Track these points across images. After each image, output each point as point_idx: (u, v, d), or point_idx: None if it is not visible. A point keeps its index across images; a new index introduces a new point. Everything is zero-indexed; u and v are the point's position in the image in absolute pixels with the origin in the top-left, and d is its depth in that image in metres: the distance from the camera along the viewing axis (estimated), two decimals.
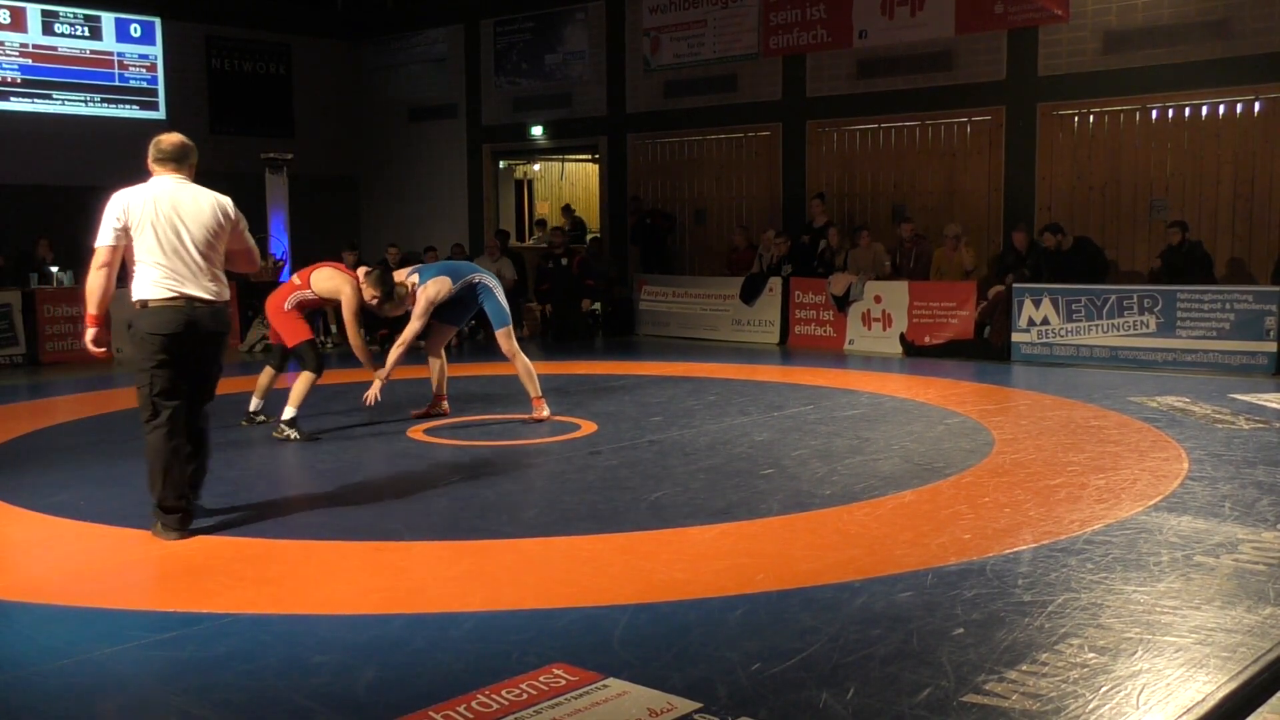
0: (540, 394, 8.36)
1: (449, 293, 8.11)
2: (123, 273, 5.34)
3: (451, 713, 3.30)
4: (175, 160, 5.36)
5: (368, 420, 8.50)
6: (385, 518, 5.69)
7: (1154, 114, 12.12)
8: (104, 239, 5.23)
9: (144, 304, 5.22)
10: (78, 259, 13.98)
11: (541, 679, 3.53)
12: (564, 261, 14.71)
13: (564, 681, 3.51)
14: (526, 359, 8.32)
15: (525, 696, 3.40)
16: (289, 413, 7.81)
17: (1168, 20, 11.80)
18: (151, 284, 5.20)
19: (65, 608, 4.43)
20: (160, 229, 5.20)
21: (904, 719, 3.25)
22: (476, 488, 6.37)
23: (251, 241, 5.57)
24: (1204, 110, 11.83)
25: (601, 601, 4.34)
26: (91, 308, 5.27)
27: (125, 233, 5.22)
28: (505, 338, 8.23)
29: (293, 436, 7.74)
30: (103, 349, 5.37)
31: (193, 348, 5.25)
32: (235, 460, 7.18)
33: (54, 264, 13.29)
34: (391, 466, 7.07)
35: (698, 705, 3.33)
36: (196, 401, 5.40)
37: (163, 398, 5.20)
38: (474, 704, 3.35)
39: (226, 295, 5.38)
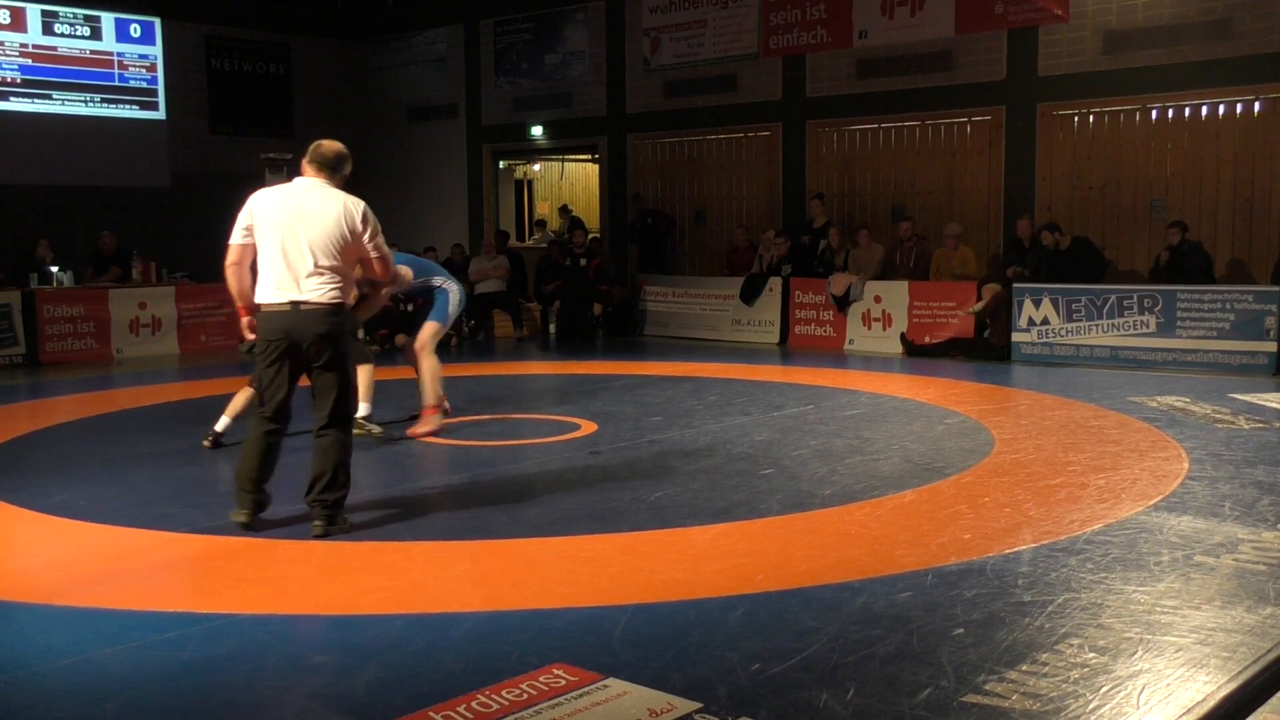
0: (436, 404, 8.04)
1: (407, 283, 7.95)
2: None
3: (451, 713, 3.30)
4: (321, 166, 5.40)
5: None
6: (385, 518, 5.69)
7: (1154, 114, 12.12)
8: (233, 237, 5.40)
9: (258, 308, 5.36)
10: (78, 259, 14.02)
11: (541, 679, 3.53)
12: (582, 262, 14.72)
13: (564, 682, 3.51)
14: (437, 362, 8.10)
15: (525, 697, 3.40)
16: (364, 409, 7.70)
17: (1168, 20, 11.80)
18: (263, 287, 5.33)
19: (65, 608, 4.43)
20: (281, 232, 5.25)
21: (904, 719, 3.25)
22: (476, 488, 6.37)
23: (384, 250, 5.53)
24: (1204, 110, 11.83)
25: (601, 602, 4.34)
26: (237, 303, 5.49)
27: (250, 231, 5.33)
28: (431, 335, 8.05)
29: (374, 431, 7.73)
30: (254, 335, 5.46)
31: (304, 353, 5.30)
32: (234, 461, 7.16)
33: (54, 264, 13.28)
34: (391, 466, 7.07)
35: (698, 705, 3.33)
36: (325, 415, 5.42)
37: (268, 395, 5.39)
38: (474, 704, 3.35)
39: (340, 299, 5.33)
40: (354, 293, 5.70)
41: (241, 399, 7.66)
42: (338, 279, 5.31)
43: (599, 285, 14.75)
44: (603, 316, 14.93)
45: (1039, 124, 12.73)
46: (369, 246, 5.41)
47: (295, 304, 5.25)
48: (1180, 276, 11.13)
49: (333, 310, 5.30)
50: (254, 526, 5.39)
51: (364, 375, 7.69)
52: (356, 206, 5.37)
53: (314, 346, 5.29)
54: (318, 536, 5.31)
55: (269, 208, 5.31)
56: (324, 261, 5.26)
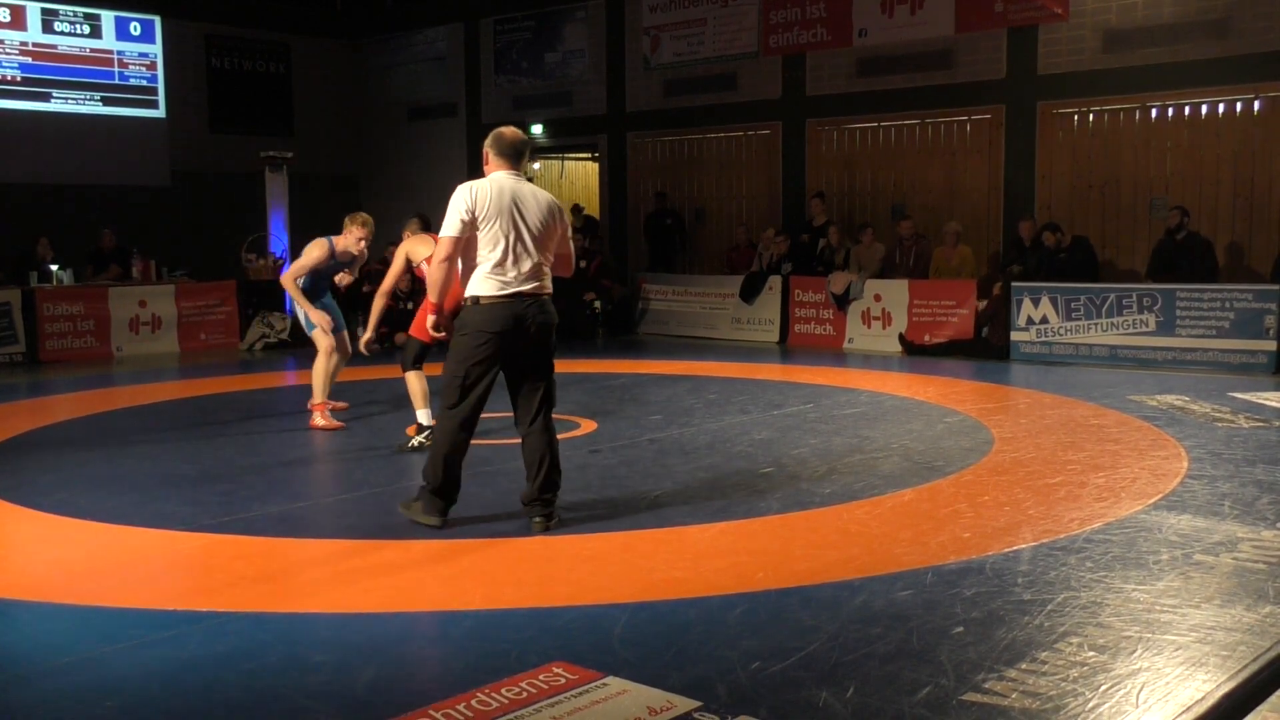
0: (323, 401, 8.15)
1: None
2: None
3: (451, 711, 3.30)
4: (516, 156, 5.35)
5: (365, 417, 8.49)
6: (385, 516, 5.69)
7: (1154, 113, 12.12)
8: (449, 230, 5.17)
9: (477, 300, 5.21)
10: (78, 257, 14.03)
11: (541, 677, 3.53)
12: (582, 264, 14.71)
13: (564, 680, 3.51)
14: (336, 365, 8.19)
15: (525, 695, 3.40)
16: (424, 416, 7.43)
17: (1167, 19, 11.80)
18: (484, 279, 5.18)
19: (65, 606, 4.43)
20: (504, 224, 5.17)
21: (904, 717, 3.25)
22: (475, 486, 6.37)
23: (572, 246, 5.52)
24: (1204, 109, 11.83)
25: (601, 600, 4.34)
26: (433, 296, 5.33)
27: (472, 224, 5.16)
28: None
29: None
30: (444, 334, 5.41)
31: (522, 345, 5.25)
32: (234, 459, 7.18)
33: (54, 263, 13.29)
34: (391, 464, 7.07)
35: (697, 704, 3.33)
36: (537, 404, 5.38)
37: (470, 390, 5.23)
38: (474, 702, 3.35)
39: (551, 290, 5.35)
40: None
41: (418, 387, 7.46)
42: (549, 272, 5.35)
43: (601, 281, 14.75)
44: (600, 312, 14.94)
45: (1039, 123, 12.74)
46: (569, 241, 5.46)
47: (520, 296, 5.21)
48: (1182, 264, 11.13)
49: (550, 301, 5.34)
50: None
51: (417, 382, 7.45)
52: (554, 200, 5.41)
53: (539, 339, 5.29)
54: (540, 531, 5.33)
55: (490, 200, 5.18)
56: (544, 256, 5.28)
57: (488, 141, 5.42)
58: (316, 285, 8.21)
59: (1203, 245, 11.29)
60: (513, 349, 5.25)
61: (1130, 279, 11.87)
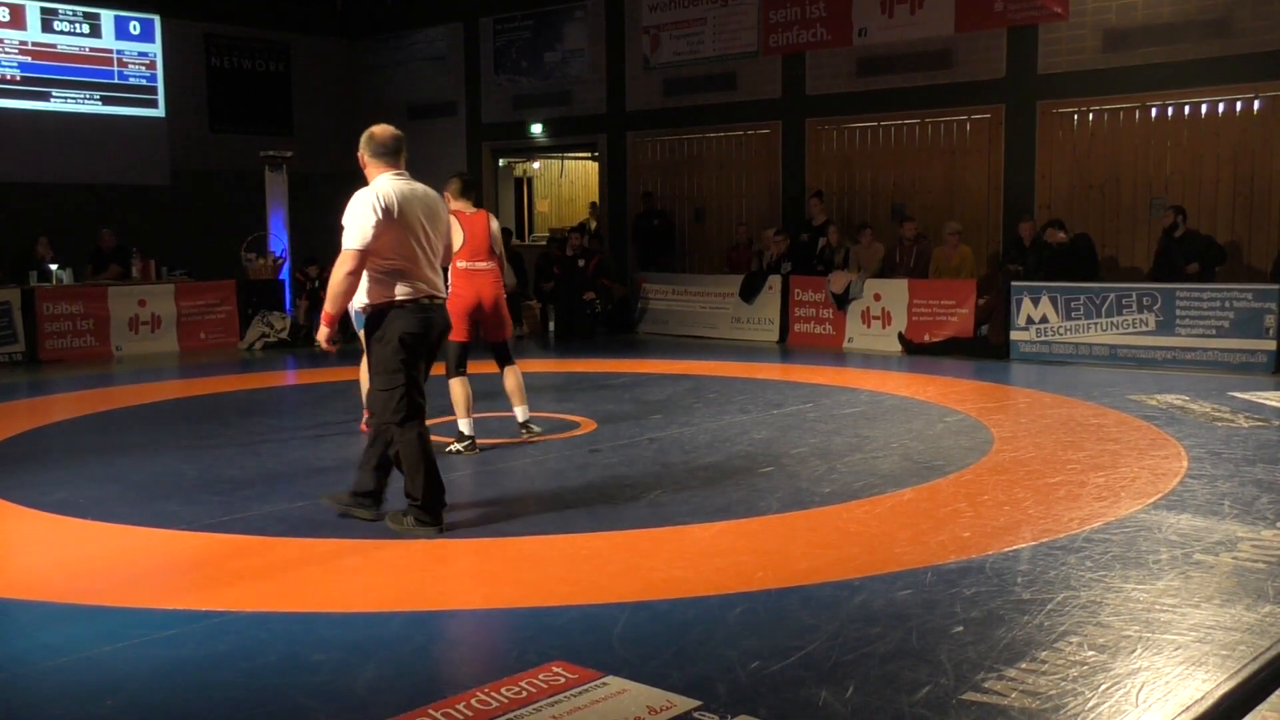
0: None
1: None
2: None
3: (451, 710, 3.30)
4: (395, 154, 5.30)
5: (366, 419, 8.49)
6: (384, 515, 5.68)
7: (1153, 112, 12.12)
8: (357, 241, 5.05)
9: (392, 306, 5.16)
10: (77, 257, 14.02)
11: (541, 677, 3.53)
12: (580, 263, 14.71)
13: (563, 679, 3.51)
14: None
15: (525, 694, 3.40)
16: (524, 414, 7.40)
17: (1167, 18, 11.80)
18: (397, 285, 5.15)
19: (65, 605, 4.43)
20: (412, 229, 5.16)
21: (903, 717, 3.25)
22: (475, 485, 6.37)
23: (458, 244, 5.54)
24: (1203, 108, 11.83)
25: (601, 599, 4.34)
26: (331, 308, 5.16)
27: (381, 234, 5.05)
28: None
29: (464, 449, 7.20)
30: (334, 347, 5.33)
31: (429, 349, 5.29)
32: (234, 459, 7.18)
33: (53, 262, 13.28)
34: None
35: (697, 703, 3.33)
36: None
37: (409, 397, 5.18)
38: (473, 702, 3.35)
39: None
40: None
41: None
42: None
43: (600, 281, 14.75)
44: (599, 311, 14.94)
45: (1039, 122, 12.73)
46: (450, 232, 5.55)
47: (434, 299, 5.28)
48: (1179, 260, 11.14)
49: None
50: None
51: (461, 389, 7.22)
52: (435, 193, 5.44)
53: (442, 340, 5.39)
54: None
55: (402, 204, 5.13)
56: (438, 253, 5.34)
57: (362, 145, 5.34)
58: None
59: (1203, 241, 11.29)
60: (424, 353, 5.27)
61: (1130, 277, 11.87)
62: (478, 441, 7.21)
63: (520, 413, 7.48)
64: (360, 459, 5.50)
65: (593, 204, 17.88)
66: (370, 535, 5.30)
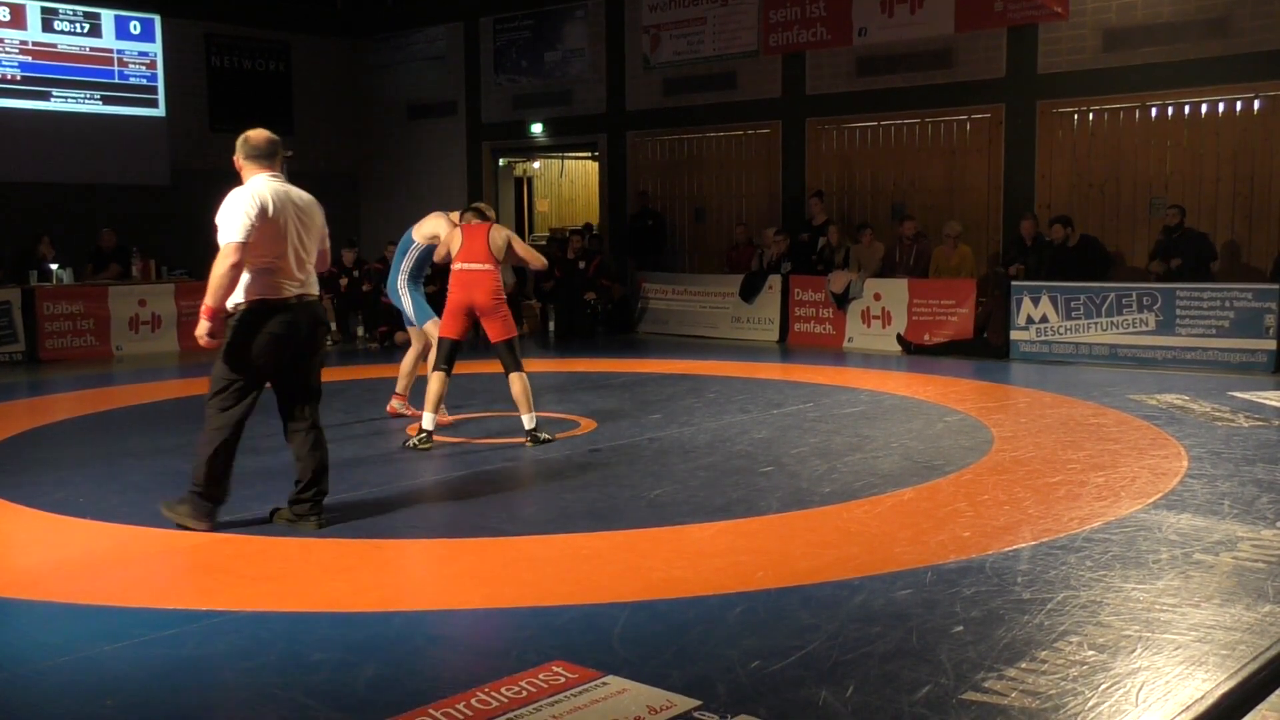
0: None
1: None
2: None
3: (451, 710, 3.30)
4: (269, 157, 5.41)
5: (367, 418, 8.50)
6: (384, 515, 5.69)
7: (1153, 112, 12.12)
8: (238, 234, 5.13)
9: (263, 303, 5.24)
10: (77, 256, 14.02)
11: (541, 676, 3.53)
12: (580, 265, 14.70)
13: (563, 679, 3.51)
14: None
15: (524, 694, 3.40)
16: (530, 421, 7.43)
17: (1167, 18, 11.80)
18: (267, 283, 5.24)
19: (65, 605, 4.43)
20: (287, 228, 5.26)
21: (903, 717, 3.25)
22: (475, 485, 6.37)
23: (327, 243, 5.61)
24: (1203, 108, 11.83)
25: (601, 599, 4.34)
26: (211, 300, 5.20)
27: (258, 230, 5.14)
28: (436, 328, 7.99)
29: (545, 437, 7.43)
30: (217, 341, 5.34)
31: (300, 348, 5.36)
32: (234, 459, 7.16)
33: (53, 261, 13.28)
34: (390, 464, 7.07)
35: (697, 703, 3.33)
36: (302, 399, 5.47)
37: (248, 393, 5.29)
38: (473, 701, 3.35)
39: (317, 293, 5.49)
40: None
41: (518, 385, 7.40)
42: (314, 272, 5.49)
43: (600, 281, 14.75)
44: (599, 311, 14.94)
45: (1039, 122, 12.73)
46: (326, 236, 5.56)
47: (302, 298, 5.36)
48: (1172, 254, 11.14)
49: (319, 303, 5.50)
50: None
51: (521, 383, 7.36)
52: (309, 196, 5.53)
53: (313, 339, 5.41)
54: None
55: (276, 204, 5.25)
56: (312, 254, 5.44)
57: (237, 147, 5.46)
58: (420, 272, 8.21)
59: (1195, 237, 11.29)
60: (292, 351, 5.31)
61: (1131, 277, 11.87)
62: (434, 438, 7.37)
63: (526, 420, 7.44)
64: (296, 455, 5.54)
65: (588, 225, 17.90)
66: (370, 535, 5.31)
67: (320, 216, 5.52)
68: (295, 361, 5.38)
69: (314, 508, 5.44)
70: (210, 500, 5.33)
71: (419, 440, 7.29)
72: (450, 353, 7.36)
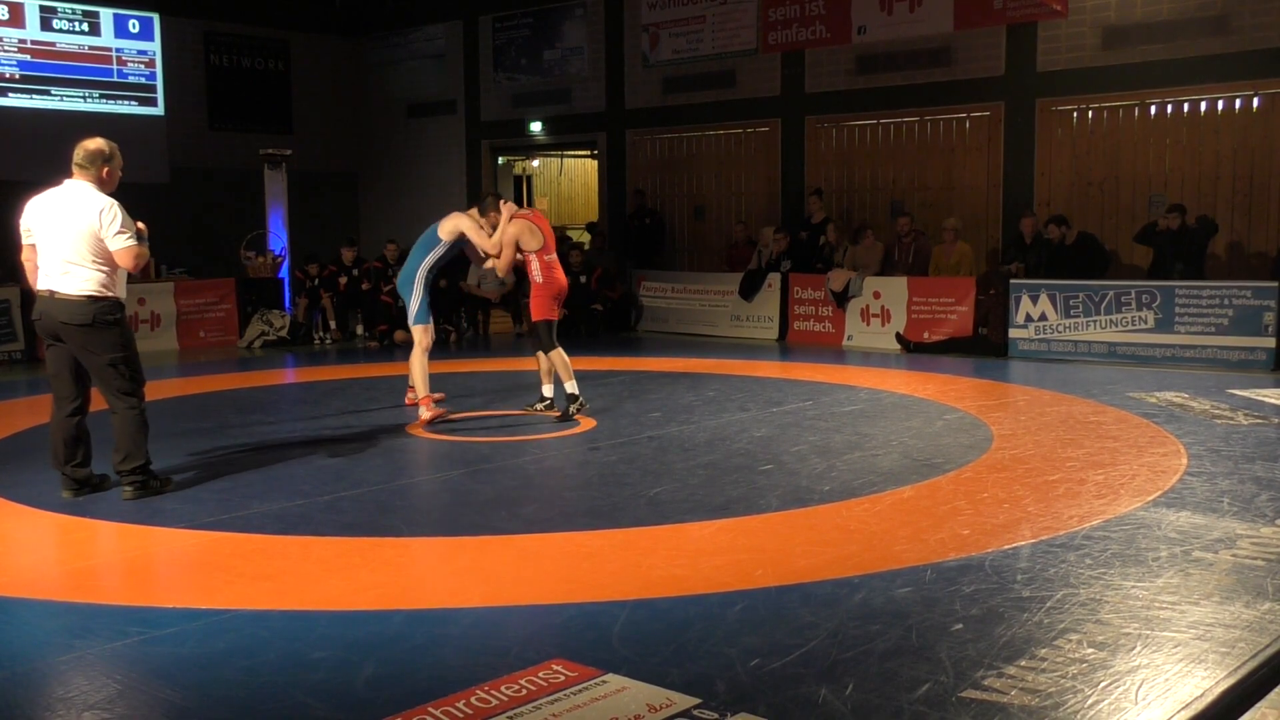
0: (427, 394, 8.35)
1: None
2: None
3: (450, 708, 3.30)
4: (81, 165, 5.85)
5: (366, 416, 8.49)
6: (384, 513, 5.69)
7: (1153, 109, 12.12)
8: (133, 239, 5.91)
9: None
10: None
11: (540, 675, 3.53)
12: (582, 279, 14.61)
13: (563, 677, 3.51)
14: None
15: (524, 692, 3.40)
16: (571, 387, 8.16)
17: (1166, 16, 11.80)
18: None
19: (64, 603, 4.43)
20: (44, 230, 5.85)
21: (903, 714, 3.25)
22: (475, 483, 6.37)
23: (123, 243, 5.83)
24: (1203, 106, 11.83)
25: (600, 597, 4.34)
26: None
27: (30, 232, 5.94)
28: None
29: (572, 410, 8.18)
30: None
31: (55, 336, 6.00)
32: (234, 458, 7.18)
33: None
34: (390, 462, 7.07)
35: (696, 701, 3.33)
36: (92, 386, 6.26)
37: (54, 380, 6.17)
38: (473, 700, 3.35)
39: (96, 292, 5.83)
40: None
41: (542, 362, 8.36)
42: (92, 271, 5.83)
43: (603, 291, 14.69)
44: (600, 316, 14.92)
45: (1038, 120, 12.74)
46: (113, 240, 5.80)
47: (51, 293, 5.88)
48: (1172, 255, 11.16)
49: (88, 302, 5.83)
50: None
51: (559, 359, 8.15)
52: (103, 205, 5.80)
53: (66, 332, 5.93)
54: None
55: (38, 210, 5.88)
56: (76, 255, 5.79)
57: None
58: (438, 269, 8.40)
59: (1189, 232, 11.30)
60: (52, 339, 6.08)
61: (1130, 275, 11.87)
62: (583, 402, 8.23)
63: (546, 390, 8.40)
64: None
65: (591, 224, 17.90)
66: (370, 534, 5.31)
67: (85, 219, 5.76)
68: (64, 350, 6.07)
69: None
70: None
71: (575, 408, 8.12)
72: (555, 331, 8.22)
